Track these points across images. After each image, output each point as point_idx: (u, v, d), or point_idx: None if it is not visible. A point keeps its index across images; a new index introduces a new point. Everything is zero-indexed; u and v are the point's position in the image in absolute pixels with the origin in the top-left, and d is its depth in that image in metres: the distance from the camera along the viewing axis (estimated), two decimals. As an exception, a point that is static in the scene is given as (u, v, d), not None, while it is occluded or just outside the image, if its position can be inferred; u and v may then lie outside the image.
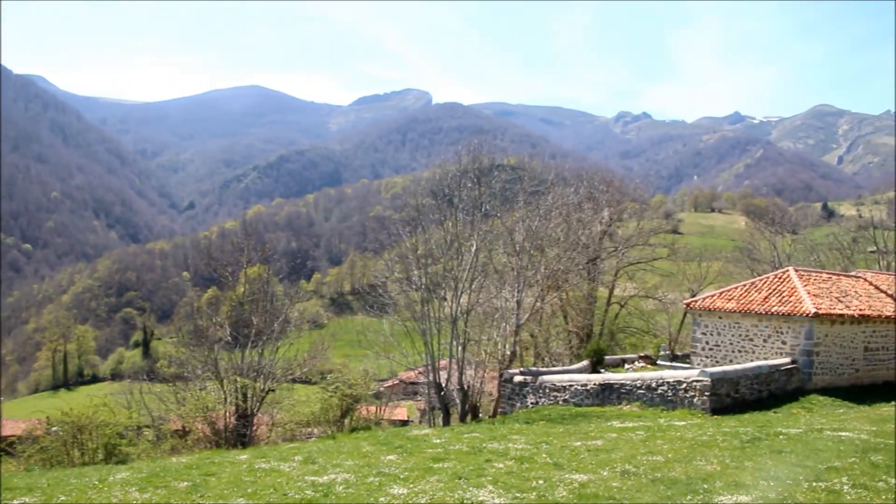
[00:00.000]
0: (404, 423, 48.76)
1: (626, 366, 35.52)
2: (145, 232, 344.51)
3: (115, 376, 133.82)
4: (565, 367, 32.96)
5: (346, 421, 31.89)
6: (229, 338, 29.80)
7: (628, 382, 25.13)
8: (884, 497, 10.59)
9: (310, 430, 31.96)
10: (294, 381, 34.19)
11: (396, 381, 59.57)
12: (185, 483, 12.68)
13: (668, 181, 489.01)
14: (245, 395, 27.74)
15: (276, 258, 49.44)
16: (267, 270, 34.67)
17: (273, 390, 29.68)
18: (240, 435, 26.95)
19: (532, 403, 27.85)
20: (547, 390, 27.62)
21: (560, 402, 26.85)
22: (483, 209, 33.10)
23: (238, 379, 27.49)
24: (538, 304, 36.03)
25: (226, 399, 27.54)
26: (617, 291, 50.27)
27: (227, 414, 27.24)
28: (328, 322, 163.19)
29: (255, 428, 28.55)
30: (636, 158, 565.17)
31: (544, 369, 30.80)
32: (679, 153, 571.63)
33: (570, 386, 26.86)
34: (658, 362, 36.39)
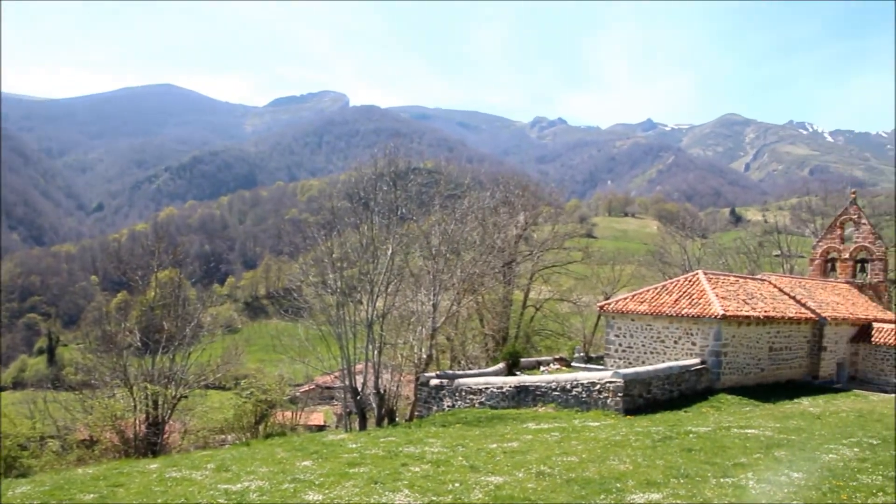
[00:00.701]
0: (321, 428, 48.26)
1: (542, 368, 35.88)
2: (50, 234, 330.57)
3: (17, 385, 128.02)
4: (481, 370, 33.11)
5: (261, 427, 31.40)
6: (139, 343, 29.02)
7: (543, 384, 25.40)
8: (785, 490, 10.97)
9: (223, 437, 31.36)
10: (207, 387, 33.53)
11: (313, 386, 58.82)
12: (91, 495, 12.20)
13: (583, 186, 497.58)
14: (156, 403, 27.05)
15: (188, 261, 48.24)
16: (179, 274, 33.83)
17: (185, 397, 29.03)
18: (150, 443, 26.25)
19: (448, 406, 27.89)
20: (463, 393, 27.71)
21: (476, 405, 26.96)
22: (399, 213, 33.03)
23: (148, 386, 26.77)
24: (454, 307, 36.17)
25: (135, 407, 26.80)
26: (532, 294, 50.81)
27: (137, 422, 26.52)
28: (242, 326, 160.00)
29: (166, 436, 27.86)
30: (552, 163, 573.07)
31: (461, 372, 30.92)
32: (594, 158, 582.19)
33: (487, 388, 27.00)
34: (573, 364, 36.89)
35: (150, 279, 30.70)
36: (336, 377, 34.31)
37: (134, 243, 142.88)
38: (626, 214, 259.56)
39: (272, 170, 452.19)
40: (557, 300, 52.20)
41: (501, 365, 33.81)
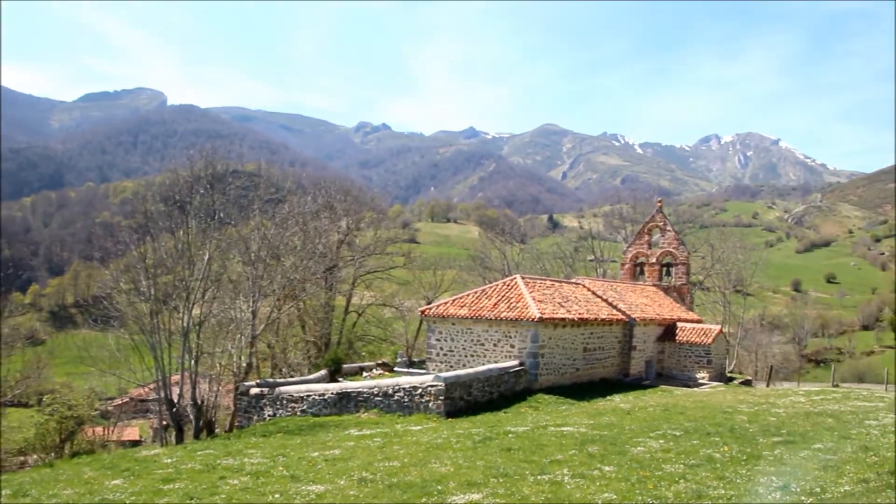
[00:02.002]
0: (136, 443, 45.81)
1: (365, 374, 35.79)
2: None
3: None
4: (303, 378, 32.59)
5: (67, 446, 29.45)
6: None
7: (366, 390, 25.31)
8: (598, 484, 11.46)
9: (23, 458, 29.22)
10: (4, 404, 31.07)
11: (126, 399, 55.67)
12: None
13: (407, 191, 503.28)
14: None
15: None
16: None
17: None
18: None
19: (270, 416, 27.23)
20: (284, 401, 27.15)
21: (298, 413, 26.48)
22: (217, 217, 31.94)
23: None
24: (275, 314, 35.43)
25: None
26: (355, 300, 50.65)
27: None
28: (47, 338, 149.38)
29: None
30: (376, 168, 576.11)
31: (282, 380, 30.28)
32: (417, 164, 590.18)
33: (308, 396, 26.58)
34: (395, 369, 36.98)
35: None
36: (151, 389, 32.75)
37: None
38: (448, 220, 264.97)
39: (82, 169, 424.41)
40: (380, 305, 52.37)
41: (323, 372, 33.44)
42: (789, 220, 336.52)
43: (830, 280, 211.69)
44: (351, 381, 30.78)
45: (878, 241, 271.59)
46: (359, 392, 25.44)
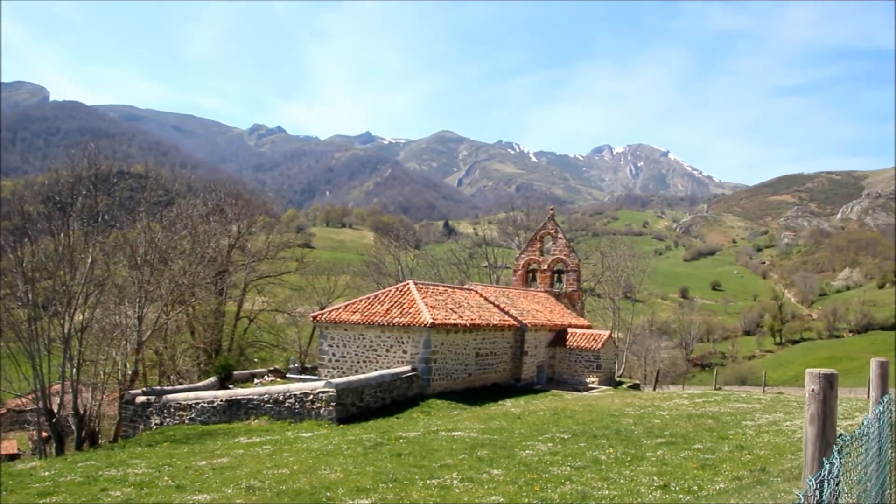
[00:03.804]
0: (14, 457, 43.63)
1: (256, 380, 35.35)
2: None
3: None
4: (192, 385, 31.93)
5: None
6: None
7: (256, 397, 24.99)
8: (486, 487, 11.74)
9: None
10: None
11: (3, 411, 52.95)
12: None
13: (301, 196, 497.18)
14: None
15: None
16: None
17: None
18: None
19: (157, 425, 26.53)
20: (172, 410, 26.51)
21: (186, 422, 25.91)
22: (101, 218, 30.96)
23: None
24: (162, 319, 34.56)
25: None
26: (246, 305, 49.82)
27: None
28: None
29: None
30: (270, 172, 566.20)
31: (169, 388, 29.54)
32: (312, 169, 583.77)
33: (197, 403, 26.05)
34: (287, 375, 36.69)
35: None
36: (30, 399, 31.36)
37: None
38: (343, 225, 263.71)
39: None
40: (273, 311, 51.65)
41: (213, 379, 32.87)
42: (677, 230, 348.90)
43: (715, 287, 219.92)
44: (242, 388, 30.29)
45: (759, 250, 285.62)
46: (249, 399, 25.11)
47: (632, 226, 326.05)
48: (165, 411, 26.70)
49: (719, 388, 48.79)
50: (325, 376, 30.48)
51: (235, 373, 34.84)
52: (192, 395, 26.79)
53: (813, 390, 4.22)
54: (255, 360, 48.04)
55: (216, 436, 21.84)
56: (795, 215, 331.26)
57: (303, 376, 35.10)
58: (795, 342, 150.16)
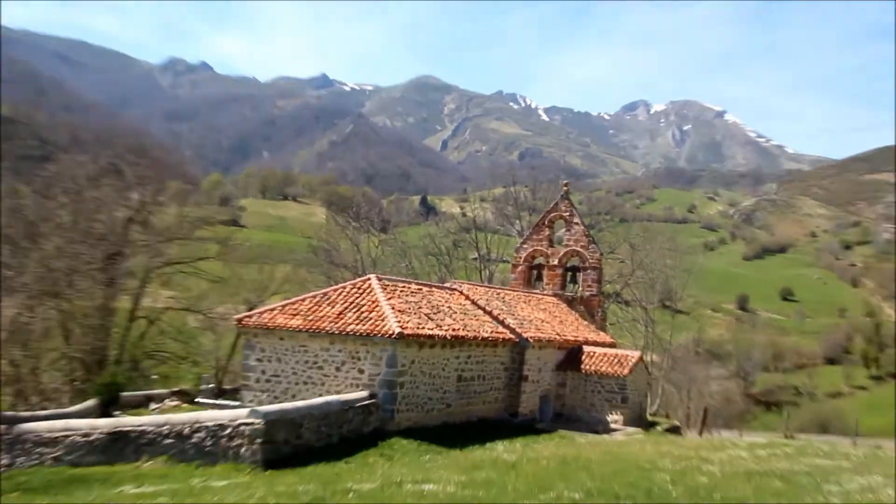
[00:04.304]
0: None
1: (153, 405, 35.08)
2: None
3: None
4: (61, 410, 31.49)
5: None
6: None
7: (152, 429, 24.40)
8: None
9: None
10: None
11: None
12: None
13: (231, 156, 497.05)
14: None
15: None
16: None
17: None
18: None
19: (5, 467, 25.91)
20: (30, 445, 25.91)
21: (49, 462, 25.33)
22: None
23: None
24: (24, 317, 33.98)
25: None
26: (146, 302, 49.32)
27: None
28: None
29: None
30: (189, 122, 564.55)
31: (27, 414, 29.01)
32: (247, 120, 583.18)
33: (67, 437, 25.44)
34: (198, 400, 36.38)
35: None
36: None
37: None
38: (285, 197, 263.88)
39: None
40: (182, 311, 51.15)
41: (92, 402, 32.48)
42: (736, 217, 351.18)
43: (787, 297, 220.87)
44: (132, 415, 29.80)
45: (848, 247, 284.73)
46: (142, 431, 24.53)
47: (673, 210, 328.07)
48: (19, 447, 26.11)
49: (791, 437, 48.75)
50: (251, 402, 30.05)
51: (125, 394, 34.58)
52: (59, 424, 26.22)
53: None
54: (155, 377, 47.58)
55: (90, 483, 21.22)
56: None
57: (219, 401, 34.71)
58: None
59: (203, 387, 39.46)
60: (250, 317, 32.06)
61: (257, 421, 22.80)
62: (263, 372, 30.90)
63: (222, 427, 23.33)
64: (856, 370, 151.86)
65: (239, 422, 23.10)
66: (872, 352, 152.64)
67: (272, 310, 32.03)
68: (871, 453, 29.32)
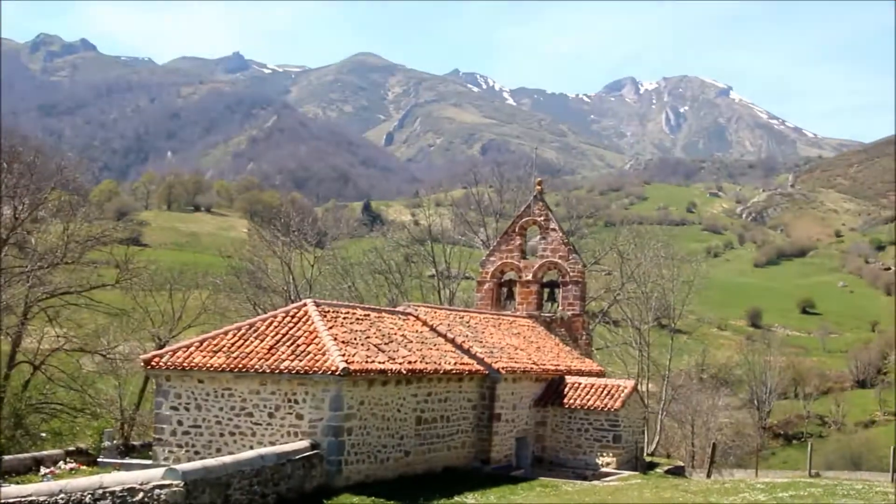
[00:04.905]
0: None
1: (44, 470, 34.80)
2: None
3: None
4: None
5: None
6: None
7: (43, 499, 24.43)
8: None
9: None
10: None
11: None
12: None
13: (128, 158, 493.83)
14: None
15: None
16: None
17: None
18: None
19: None
20: None
21: None
22: None
23: None
24: None
25: None
26: (28, 342, 49.14)
27: None
28: None
29: None
30: (70, 116, 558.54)
31: None
32: (144, 113, 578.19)
33: (-74, 516, 25.44)
34: (100, 460, 36.23)
35: None
36: None
37: None
38: (197, 208, 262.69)
39: None
40: (75, 351, 50.98)
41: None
42: (745, 216, 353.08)
43: (808, 310, 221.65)
44: (16, 483, 29.75)
45: (880, 248, 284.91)
46: (30, 503, 24.57)
47: (669, 210, 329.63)
48: None
49: (817, 475, 49.24)
50: (166, 460, 30.01)
51: (7, 457, 34.42)
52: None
53: None
54: (44, 434, 47.31)
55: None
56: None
57: (126, 461, 34.65)
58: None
59: (106, 444, 39.32)
60: (161, 356, 31.96)
61: (175, 482, 22.90)
62: (180, 422, 30.86)
63: (132, 492, 23.39)
64: (891, 394, 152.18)
65: (152, 484, 23.16)
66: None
67: (188, 347, 31.92)
68: (913, 492, 29.68)
